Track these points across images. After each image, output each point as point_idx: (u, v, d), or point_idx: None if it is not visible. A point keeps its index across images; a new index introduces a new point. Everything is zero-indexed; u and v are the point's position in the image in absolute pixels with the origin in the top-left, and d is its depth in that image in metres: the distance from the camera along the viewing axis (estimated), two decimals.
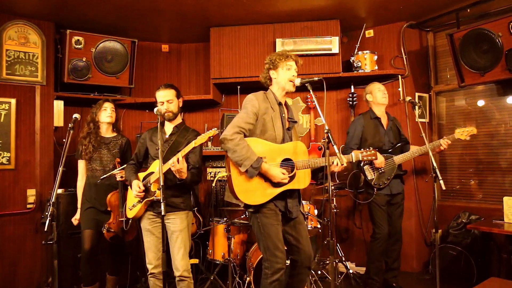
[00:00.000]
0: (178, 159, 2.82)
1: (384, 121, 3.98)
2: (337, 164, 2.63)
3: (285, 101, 2.94)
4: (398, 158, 3.77)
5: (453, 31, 4.20)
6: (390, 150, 3.83)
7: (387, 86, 4.52)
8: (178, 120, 3.28)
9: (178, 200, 3.10)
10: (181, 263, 3.03)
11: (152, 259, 3.08)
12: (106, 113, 3.68)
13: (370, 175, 3.77)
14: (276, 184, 2.69)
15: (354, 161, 2.79)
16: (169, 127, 3.25)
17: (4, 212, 4.04)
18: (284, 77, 2.81)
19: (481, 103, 4.59)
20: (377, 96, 3.96)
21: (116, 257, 3.81)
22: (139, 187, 3.06)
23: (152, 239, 3.10)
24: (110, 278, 3.82)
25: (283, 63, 2.81)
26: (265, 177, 2.68)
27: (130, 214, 3.18)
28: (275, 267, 2.63)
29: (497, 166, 4.43)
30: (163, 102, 3.16)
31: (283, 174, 2.66)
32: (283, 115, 2.84)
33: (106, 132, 3.74)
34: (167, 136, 3.21)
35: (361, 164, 3.74)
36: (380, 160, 3.71)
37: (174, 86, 3.25)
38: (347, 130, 4.04)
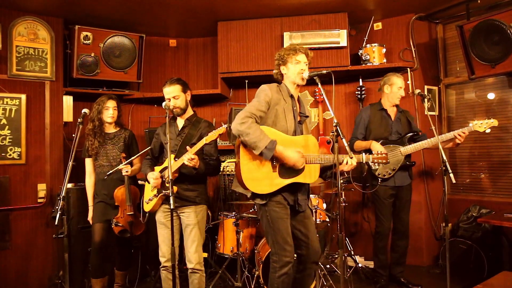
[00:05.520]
0: (187, 157, 2.88)
1: (392, 112, 3.94)
2: (346, 163, 2.64)
3: (298, 96, 2.93)
4: (404, 149, 3.71)
5: (463, 22, 4.14)
6: (397, 140, 3.78)
7: None
8: (189, 112, 3.30)
9: (192, 194, 3.13)
10: (194, 256, 3.08)
11: (165, 252, 3.12)
12: (108, 113, 3.66)
13: (373, 165, 3.72)
14: (284, 175, 2.69)
15: (364, 161, 2.79)
16: (180, 121, 3.29)
17: (16, 206, 4.09)
18: (294, 71, 2.81)
19: (491, 95, 4.53)
20: (394, 93, 3.86)
21: (123, 252, 3.84)
22: (155, 175, 3.12)
23: (166, 233, 3.13)
24: (119, 273, 3.85)
25: (291, 57, 2.81)
26: (274, 167, 2.67)
27: (147, 207, 3.23)
28: (284, 261, 2.64)
29: (508, 159, 4.38)
30: (170, 99, 3.17)
31: (299, 152, 2.66)
32: (295, 108, 2.84)
33: (109, 128, 3.75)
34: (179, 130, 3.25)
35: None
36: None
37: (180, 81, 3.24)
38: (355, 120, 4.07)
